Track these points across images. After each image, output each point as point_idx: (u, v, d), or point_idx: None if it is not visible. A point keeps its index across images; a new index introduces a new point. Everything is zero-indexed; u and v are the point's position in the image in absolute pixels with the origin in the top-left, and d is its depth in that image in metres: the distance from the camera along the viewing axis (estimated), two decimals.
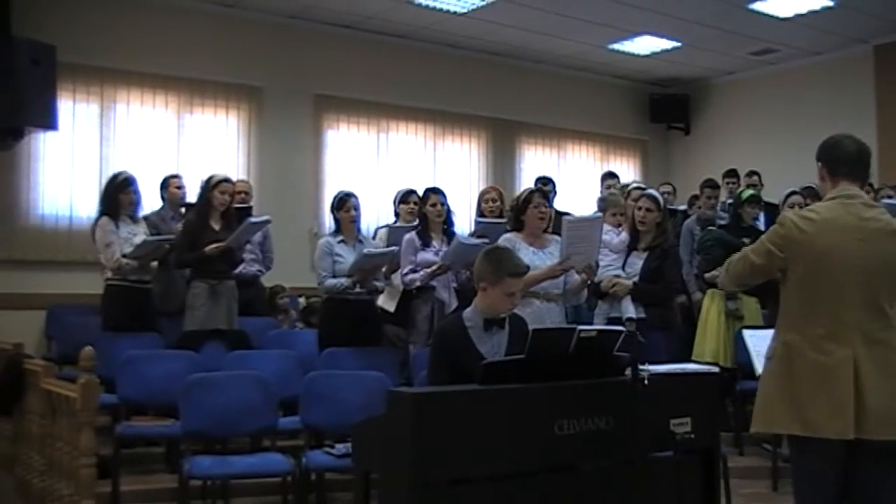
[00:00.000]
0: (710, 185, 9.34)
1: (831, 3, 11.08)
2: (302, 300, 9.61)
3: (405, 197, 8.31)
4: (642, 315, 6.65)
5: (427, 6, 11.09)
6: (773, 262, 4.13)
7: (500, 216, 7.98)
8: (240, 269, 7.94)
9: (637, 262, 6.85)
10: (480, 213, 8.30)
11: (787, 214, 4.21)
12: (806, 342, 3.98)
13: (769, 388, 4.14)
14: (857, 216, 4.02)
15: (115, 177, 7.87)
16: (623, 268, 6.85)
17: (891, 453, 3.99)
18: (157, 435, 6.92)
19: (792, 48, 12.99)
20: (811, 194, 8.22)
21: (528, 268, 5.00)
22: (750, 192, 8.44)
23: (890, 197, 8.54)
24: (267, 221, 7.94)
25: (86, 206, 9.76)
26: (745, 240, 6.92)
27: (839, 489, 4.04)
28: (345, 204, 7.43)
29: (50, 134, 9.32)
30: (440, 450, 3.72)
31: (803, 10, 11.31)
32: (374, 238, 7.95)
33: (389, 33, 12.08)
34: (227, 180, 7.82)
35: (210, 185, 7.62)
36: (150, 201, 8.59)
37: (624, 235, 7.11)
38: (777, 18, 11.58)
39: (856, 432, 3.87)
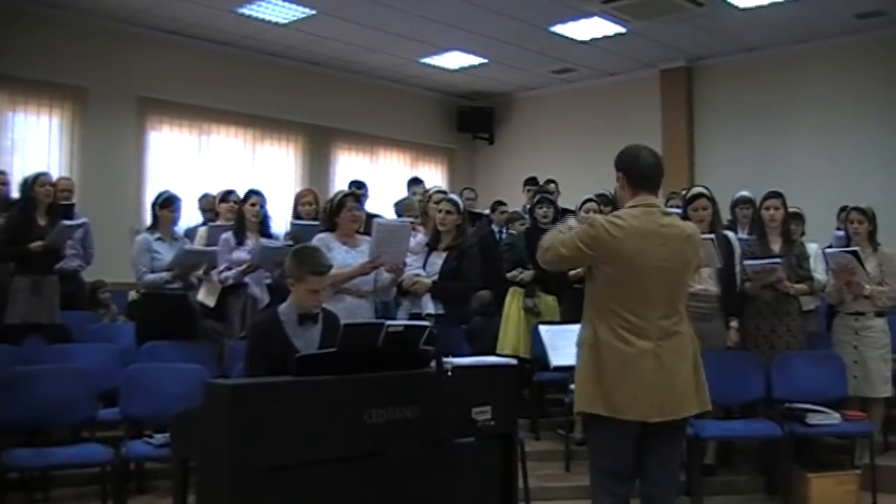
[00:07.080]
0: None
1: (624, 31, 11.47)
2: (132, 294, 9.34)
3: (225, 196, 8.15)
4: (441, 311, 6.68)
5: (250, 16, 10.97)
6: (581, 257, 4.21)
7: (316, 218, 7.94)
8: (61, 264, 7.69)
9: (437, 261, 6.83)
10: (297, 214, 8.24)
11: (598, 218, 4.30)
12: (612, 334, 4.07)
13: (582, 372, 4.23)
14: (658, 223, 4.15)
15: None
16: (424, 267, 6.86)
17: (678, 430, 4.23)
18: None
19: (588, 69, 13.40)
20: (604, 201, 8.43)
21: (329, 267, 4.95)
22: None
23: (672, 201, 8.81)
24: (82, 224, 7.74)
25: None
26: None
27: (633, 462, 4.17)
28: (171, 204, 7.32)
29: None
30: (256, 438, 3.68)
31: (599, 35, 11.70)
32: (188, 236, 7.80)
33: (213, 40, 11.91)
34: (44, 174, 7.61)
35: (30, 183, 7.41)
36: None
37: (420, 237, 7.15)
38: (575, 41, 11.92)
39: (656, 415, 4.02)
